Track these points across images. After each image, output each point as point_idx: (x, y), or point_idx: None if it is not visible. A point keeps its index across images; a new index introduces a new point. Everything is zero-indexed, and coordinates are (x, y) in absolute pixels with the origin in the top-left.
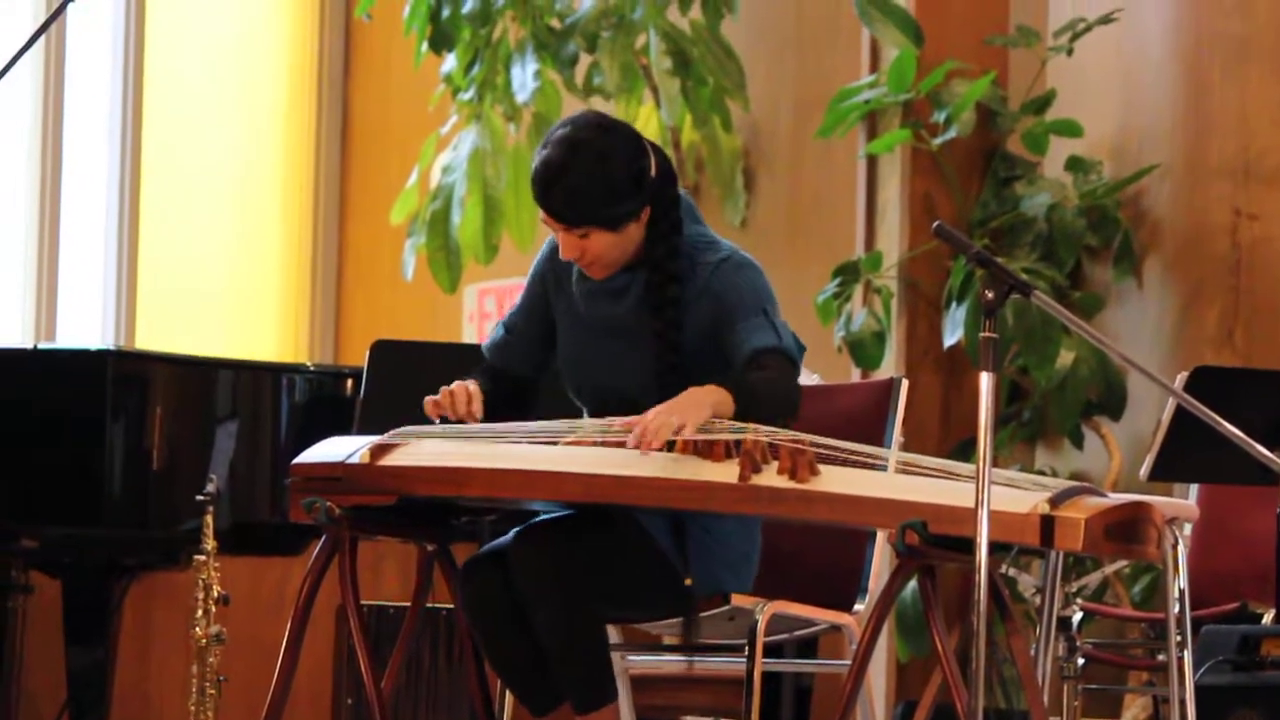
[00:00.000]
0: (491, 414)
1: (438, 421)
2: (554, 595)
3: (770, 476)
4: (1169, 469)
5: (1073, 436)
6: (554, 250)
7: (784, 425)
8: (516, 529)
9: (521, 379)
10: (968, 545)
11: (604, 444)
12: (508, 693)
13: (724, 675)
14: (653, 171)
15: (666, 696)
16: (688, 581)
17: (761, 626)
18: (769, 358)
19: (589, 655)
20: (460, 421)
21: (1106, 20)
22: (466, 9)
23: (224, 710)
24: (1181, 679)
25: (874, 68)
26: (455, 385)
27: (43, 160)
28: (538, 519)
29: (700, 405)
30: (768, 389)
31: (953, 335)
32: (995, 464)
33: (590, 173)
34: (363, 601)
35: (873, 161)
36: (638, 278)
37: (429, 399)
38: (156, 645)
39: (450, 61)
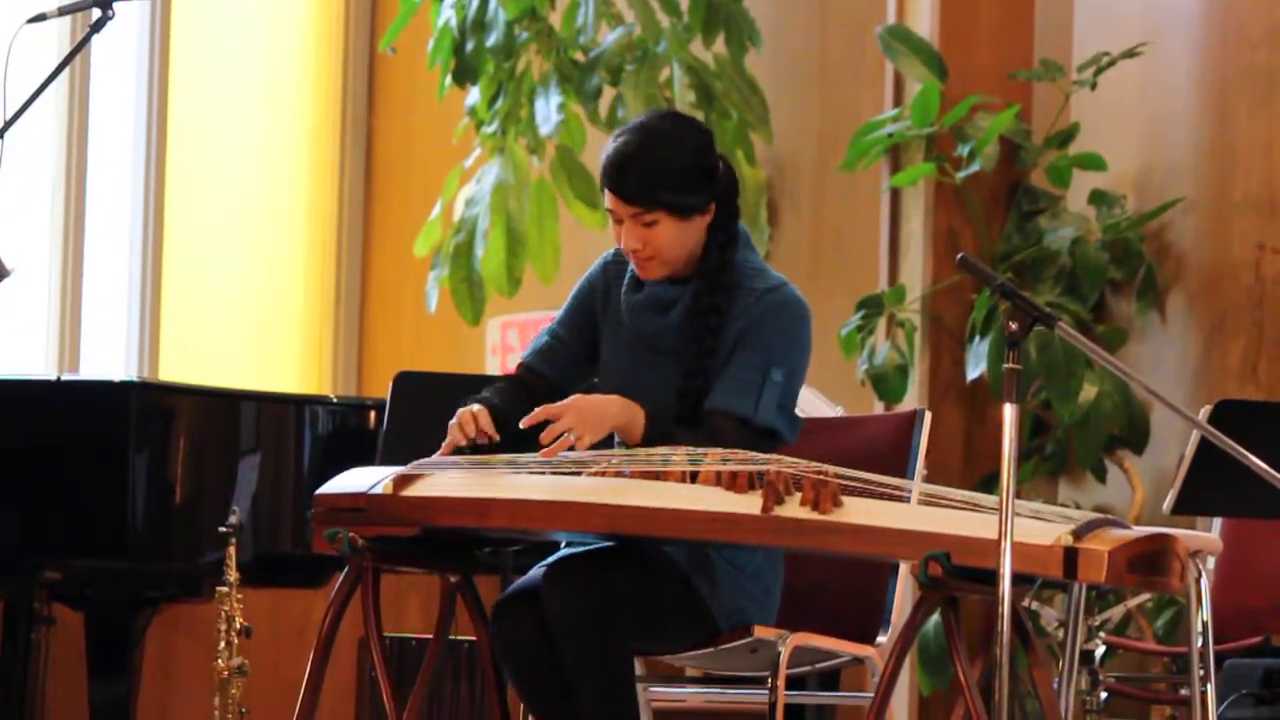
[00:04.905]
0: (508, 428)
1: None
2: (584, 633)
3: (793, 508)
4: (1192, 503)
5: (1096, 470)
6: (606, 265)
7: None
8: (545, 564)
9: (554, 390)
10: (991, 577)
11: (628, 475)
12: None
13: (746, 708)
14: (720, 171)
15: None
16: None
17: (784, 658)
18: (727, 424)
19: (616, 692)
20: (480, 444)
21: (1131, 54)
22: (490, 42)
23: None
24: (1205, 713)
25: (898, 101)
26: (461, 415)
27: (66, 191)
28: (566, 553)
29: (602, 421)
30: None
31: (976, 369)
32: (1018, 497)
33: (662, 155)
34: (385, 633)
35: (896, 195)
36: (687, 291)
37: (444, 446)
38: (179, 677)
39: (474, 94)
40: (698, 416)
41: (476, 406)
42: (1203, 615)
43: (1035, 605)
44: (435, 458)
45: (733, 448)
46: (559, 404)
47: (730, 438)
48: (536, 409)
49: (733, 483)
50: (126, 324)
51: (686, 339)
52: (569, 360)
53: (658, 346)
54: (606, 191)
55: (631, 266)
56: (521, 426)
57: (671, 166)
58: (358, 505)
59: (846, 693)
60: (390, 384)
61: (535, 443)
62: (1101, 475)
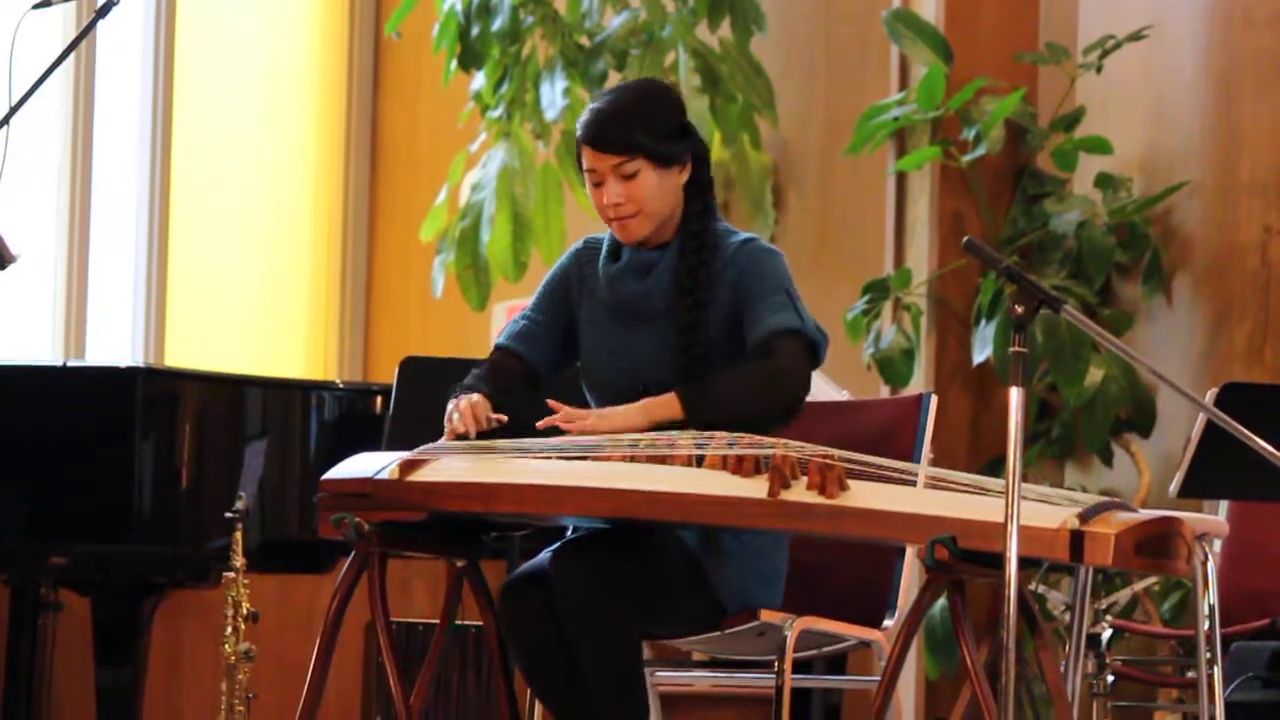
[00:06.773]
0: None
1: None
2: (594, 617)
3: (799, 492)
4: (1199, 486)
5: (1102, 454)
6: (577, 252)
7: (784, 420)
8: (554, 547)
9: (530, 372)
10: (997, 560)
11: (633, 459)
12: (536, 711)
13: (752, 692)
14: (694, 133)
15: (695, 714)
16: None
17: (791, 642)
18: (785, 341)
19: (625, 676)
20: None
21: (1137, 37)
22: (496, 27)
23: None
24: (1211, 696)
25: (903, 85)
26: (461, 405)
27: (73, 177)
28: (575, 535)
29: (633, 421)
30: (735, 390)
31: (982, 353)
32: (1024, 481)
33: (639, 105)
34: (391, 618)
35: (902, 179)
36: (668, 255)
37: (448, 432)
38: (186, 663)
39: (479, 79)
40: (700, 372)
41: (475, 396)
42: (1209, 598)
43: (1042, 589)
44: (441, 442)
45: (794, 364)
46: (583, 410)
47: (792, 353)
48: (559, 406)
49: (739, 467)
50: (132, 310)
51: (675, 296)
52: (545, 341)
53: (642, 311)
54: (586, 152)
55: (607, 240)
56: (539, 427)
57: (647, 113)
58: (364, 490)
59: (853, 676)
60: (396, 369)
61: (531, 429)
62: (1108, 459)
